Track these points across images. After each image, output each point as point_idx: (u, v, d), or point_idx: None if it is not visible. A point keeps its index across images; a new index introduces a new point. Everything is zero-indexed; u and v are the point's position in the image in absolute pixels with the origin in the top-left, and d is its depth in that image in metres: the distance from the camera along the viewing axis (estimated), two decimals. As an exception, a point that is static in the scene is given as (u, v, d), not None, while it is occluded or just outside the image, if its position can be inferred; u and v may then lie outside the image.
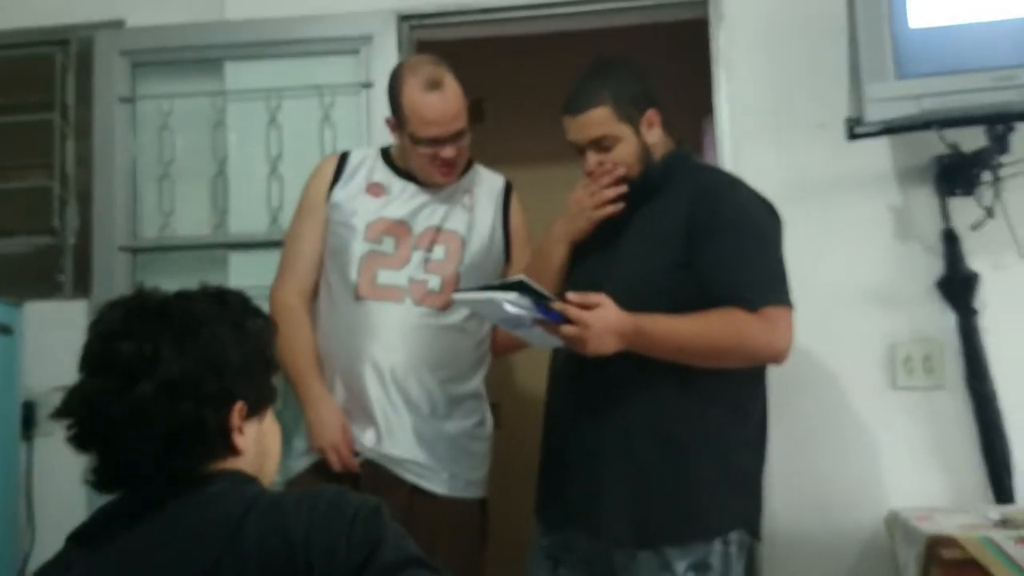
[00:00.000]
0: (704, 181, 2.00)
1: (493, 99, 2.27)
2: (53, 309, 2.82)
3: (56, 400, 1.17)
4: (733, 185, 2.01)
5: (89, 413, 1.13)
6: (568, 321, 1.76)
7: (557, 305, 1.76)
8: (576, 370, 1.93)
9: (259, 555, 1.07)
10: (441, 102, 2.18)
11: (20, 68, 3.01)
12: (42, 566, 1.18)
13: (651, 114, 2.01)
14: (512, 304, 1.76)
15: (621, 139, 1.99)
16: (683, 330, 1.84)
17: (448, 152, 2.21)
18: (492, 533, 2.31)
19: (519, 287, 1.76)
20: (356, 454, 2.18)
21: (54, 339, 2.67)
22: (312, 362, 2.23)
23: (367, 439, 2.18)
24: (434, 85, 2.17)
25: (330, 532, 1.08)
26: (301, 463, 2.25)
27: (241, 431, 1.19)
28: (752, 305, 1.84)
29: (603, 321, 1.76)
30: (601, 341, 1.77)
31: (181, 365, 1.14)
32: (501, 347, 2.38)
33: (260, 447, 1.24)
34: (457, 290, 2.01)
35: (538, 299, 1.76)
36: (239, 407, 1.19)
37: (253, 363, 1.21)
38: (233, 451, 1.19)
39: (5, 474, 2.65)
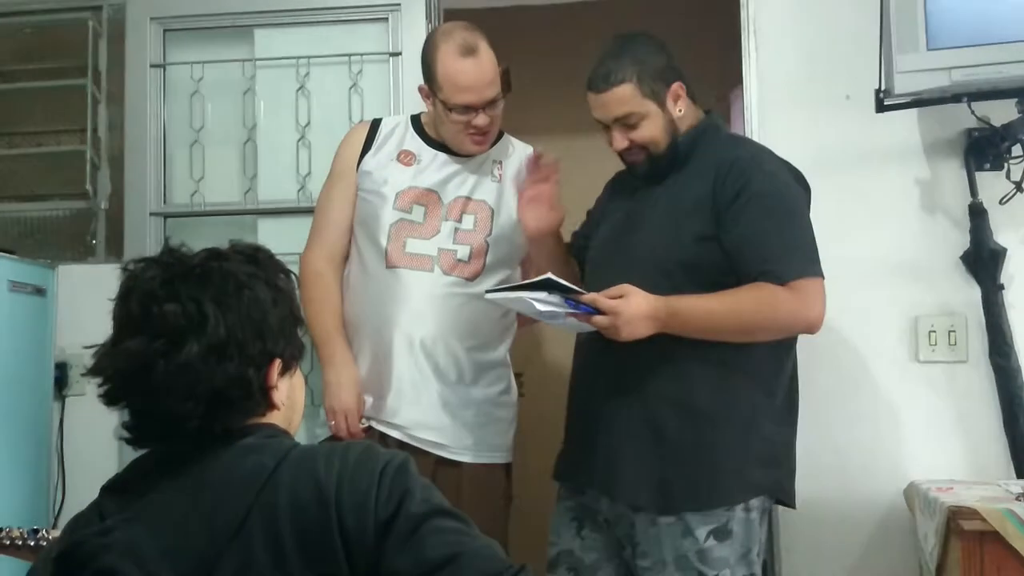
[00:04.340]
0: (730, 152, 1.99)
1: (517, 69, 2.28)
2: (86, 272, 2.85)
3: (88, 359, 1.18)
4: (760, 156, 2.00)
5: (132, 373, 1.14)
6: (600, 311, 1.78)
7: (586, 298, 1.78)
8: (602, 342, 1.93)
9: (290, 505, 1.10)
10: (476, 68, 2.17)
11: (54, 34, 3.03)
12: (76, 516, 1.20)
13: (676, 87, 2.00)
14: (542, 302, 1.79)
15: (647, 116, 1.97)
16: (716, 309, 1.85)
17: (481, 120, 2.21)
18: (515, 497, 2.34)
19: (546, 285, 1.79)
20: (368, 428, 2.21)
21: (86, 301, 2.71)
22: (338, 326, 2.26)
23: (389, 406, 2.21)
24: (469, 51, 2.17)
25: (360, 485, 1.11)
26: (326, 431, 2.27)
27: (277, 387, 1.21)
28: (782, 278, 1.85)
29: (634, 308, 1.78)
30: (634, 327, 1.79)
31: (226, 326, 1.15)
32: (526, 319, 2.40)
33: (291, 401, 1.26)
34: (488, 290, 2.03)
35: (566, 294, 1.79)
36: (276, 364, 1.21)
37: (287, 321, 1.23)
38: (271, 407, 1.21)
39: (39, 431, 2.71)
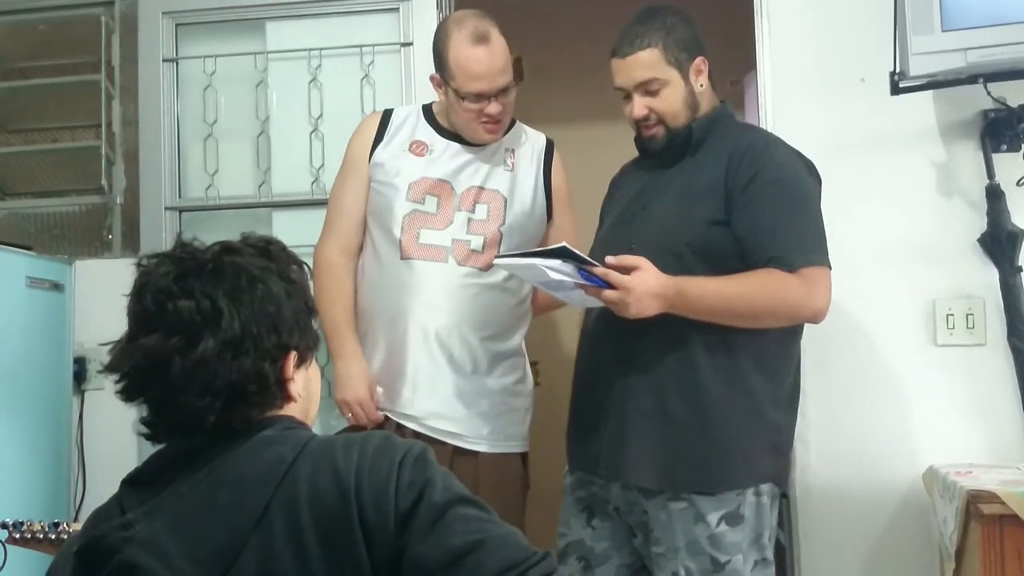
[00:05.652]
0: (744, 140, 1.99)
1: (529, 57, 2.28)
2: (102, 267, 2.88)
3: (105, 357, 1.19)
4: (773, 144, 2.00)
5: (149, 369, 1.15)
6: (610, 285, 1.78)
7: (599, 270, 1.78)
8: (609, 326, 1.94)
9: (310, 497, 1.10)
10: (488, 56, 2.17)
11: (67, 30, 3.06)
12: (97, 509, 1.20)
13: (699, 62, 2.01)
14: (555, 270, 1.78)
15: (669, 83, 1.98)
16: (724, 292, 1.85)
17: (493, 108, 2.21)
18: (531, 485, 2.35)
19: (562, 253, 1.78)
20: (385, 418, 2.22)
21: (104, 296, 2.72)
22: (348, 318, 2.27)
23: (405, 397, 2.21)
24: (481, 39, 2.17)
25: (379, 475, 1.11)
26: (342, 422, 2.29)
27: (293, 380, 1.22)
28: (791, 266, 1.85)
29: (644, 285, 1.77)
30: (643, 304, 1.78)
31: (241, 321, 1.15)
32: (540, 306, 2.40)
33: (307, 393, 1.26)
34: (499, 255, 2.02)
35: (580, 264, 1.78)
36: (292, 357, 1.21)
37: (301, 313, 1.23)
38: (287, 399, 1.22)
39: (58, 426, 2.73)
